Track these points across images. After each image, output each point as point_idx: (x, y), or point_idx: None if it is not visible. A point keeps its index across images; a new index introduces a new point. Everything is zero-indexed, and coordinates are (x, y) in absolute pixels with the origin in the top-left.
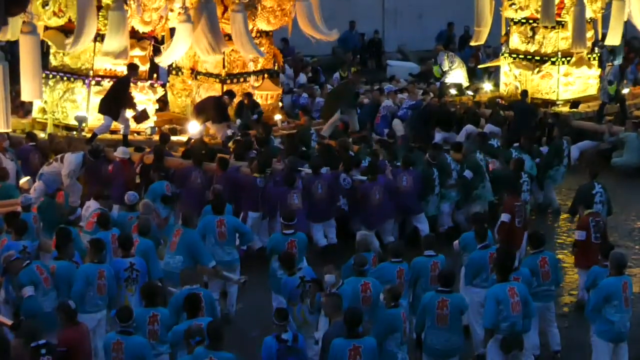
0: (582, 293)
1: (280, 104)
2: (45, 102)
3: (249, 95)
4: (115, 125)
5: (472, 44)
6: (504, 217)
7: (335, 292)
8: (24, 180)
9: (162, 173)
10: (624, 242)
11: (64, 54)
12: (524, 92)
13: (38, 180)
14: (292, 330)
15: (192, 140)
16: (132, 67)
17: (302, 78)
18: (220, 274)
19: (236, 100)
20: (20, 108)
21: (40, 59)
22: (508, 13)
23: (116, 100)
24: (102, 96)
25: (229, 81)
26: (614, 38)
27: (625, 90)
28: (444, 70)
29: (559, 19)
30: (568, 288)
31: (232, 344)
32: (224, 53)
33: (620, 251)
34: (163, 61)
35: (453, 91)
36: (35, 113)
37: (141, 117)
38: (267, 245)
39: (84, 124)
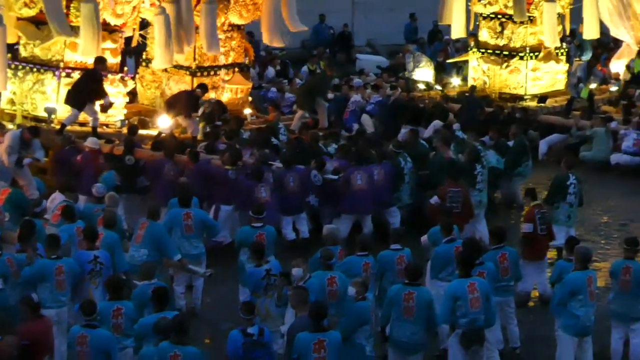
0: (542, 287)
1: (249, 98)
2: (14, 93)
3: (219, 103)
4: (85, 117)
5: (453, 37)
6: (433, 199)
7: (302, 286)
8: None
9: (114, 162)
10: (590, 236)
11: (34, 45)
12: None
13: None
14: (258, 324)
15: (163, 135)
16: (99, 61)
17: (271, 72)
18: (186, 268)
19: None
20: None
21: (5, 50)
22: (477, 8)
23: (81, 93)
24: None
25: (199, 74)
26: (590, 32)
27: (593, 85)
28: (408, 71)
29: (528, 14)
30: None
31: (200, 337)
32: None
33: (585, 245)
34: (158, 64)
35: (421, 86)
36: (3, 104)
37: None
38: (235, 237)
39: (53, 116)
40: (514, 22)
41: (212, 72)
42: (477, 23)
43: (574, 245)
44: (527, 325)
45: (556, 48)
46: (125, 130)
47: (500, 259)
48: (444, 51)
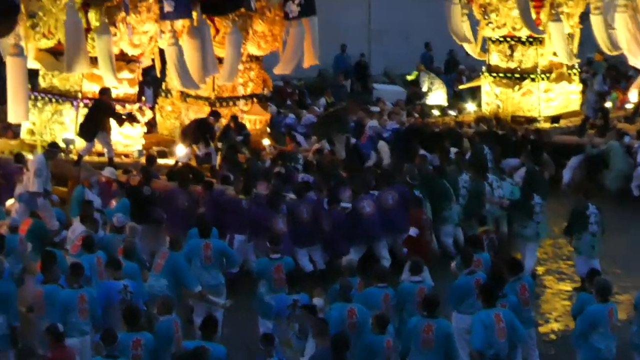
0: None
1: (268, 129)
2: (34, 123)
3: (234, 119)
4: (101, 148)
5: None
6: (412, 231)
7: (322, 318)
8: (10, 202)
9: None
10: (610, 268)
11: (52, 76)
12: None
13: (17, 202)
14: (277, 355)
15: (179, 164)
16: (103, 92)
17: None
18: (205, 298)
19: (222, 122)
20: (9, 130)
21: (27, 80)
22: (485, 32)
23: (89, 124)
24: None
25: (218, 104)
26: (605, 48)
27: (609, 105)
28: (424, 90)
29: (536, 35)
30: (555, 314)
31: None
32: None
33: (605, 278)
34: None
35: (436, 112)
36: (24, 134)
37: (131, 118)
38: (254, 269)
39: (71, 146)
40: (524, 44)
41: (231, 103)
42: (487, 47)
43: (595, 277)
44: (548, 358)
45: (568, 68)
46: (142, 160)
47: (521, 290)
48: (459, 81)
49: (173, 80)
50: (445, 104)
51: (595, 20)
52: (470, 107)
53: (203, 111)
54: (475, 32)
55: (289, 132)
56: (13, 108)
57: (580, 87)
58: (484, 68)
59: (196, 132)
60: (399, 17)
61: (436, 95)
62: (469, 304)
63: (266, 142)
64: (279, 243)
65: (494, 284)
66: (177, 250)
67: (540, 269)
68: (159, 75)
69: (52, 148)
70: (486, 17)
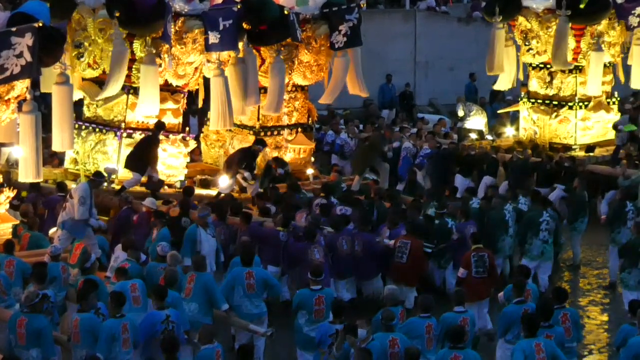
0: (483, 322)
1: (312, 158)
2: (77, 152)
3: (276, 160)
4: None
5: (495, 88)
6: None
7: (365, 348)
8: (53, 230)
9: (168, 222)
10: None
11: (97, 106)
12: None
13: (61, 230)
14: None
15: (222, 195)
16: (159, 126)
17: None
18: (247, 327)
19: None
20: (55, 157)
21: (72, 109)
22: (526, 58)
23: (142, 157)
24: (131, 149)
25: (262, 134)
26: (637, 82)
27: None
28: (459, 117)
29: (576, 64)
30: (599, 345)
31: None
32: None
33: None
34: (213, 125)
35: (473, 135)
36: (67, 163)
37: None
38: (293, 300)
39: (113, 176)
40: (563, 72)
41: (275, 132)
42: (527, 73)
43: (637, 308)
44: None
45: (607, 97)
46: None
47: (562, 319)
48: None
49: (211, 116)
50: (484, 129)
51: (637, 51)
52: (509, 131)
53: (248, 140)
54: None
55: (334, 165)
56: (58, 136)
57: (618, 116)
58: (522, 93)
59: (242, 160)
60: (444, 48)
61: (474, 120)
62: (515, 333)
63: (310, 171)
64: (320, 274)
65: (537, 314)
66: (203, 271)
67: (583, 300)
68: (201, 104)
69: (96, 177)
70: (527, 43)
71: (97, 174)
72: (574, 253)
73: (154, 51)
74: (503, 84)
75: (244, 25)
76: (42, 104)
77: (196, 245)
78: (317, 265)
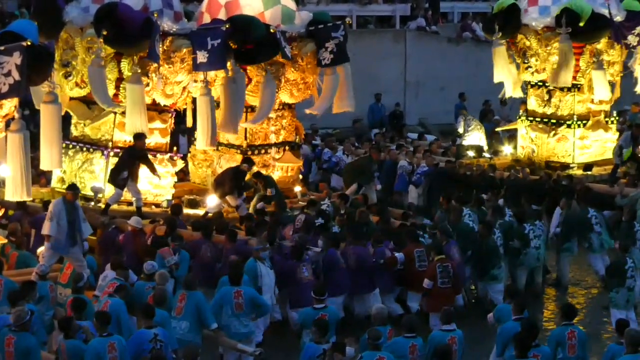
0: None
1: (300, 176)
2: (64, 171)
3: (258, 176)
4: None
5: (500, 96)
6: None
7: None
8: (41, 249)
9: (177, 242)
10: None
11: (84, 125)
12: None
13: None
14: None
15: (210, 214)
16: (138, 137)
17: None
18: (236, 347)
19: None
20: (42, 176)
21: (60, 128)
22: (525, 76)
23: (121, 169)
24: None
25: (250, 152)
26: None
27: None
28: (460, 132)
29: (574, 82)
30: None
31: None
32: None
33: (636, 329)
34: (200, 145)
35: (471, 153)
36: (54, 182)
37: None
38: (297, 320)
39: (99, 195)
40: (562, 90)
41: (262, 151)
42: (525, 91)
43: (624, 328)
44: None
45: (606, 116)
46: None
47: (568, 335)
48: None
49: (197, 136)
50: (483, 144)
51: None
52: (507, 149)
53: (235, 159)
54: None
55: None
56: (46, 155)
57: (617, 135)
58: (520, 112)
59: (232, 182)
60: (434, 68)
61: (473, 136)
62: (512, 351)
63: (298, 189)
64: (324, 293)
65: (526, 334)
66: (194, 290)
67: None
68: (189, 124)
69: (69, 190)
70: (525, 61)
71: (71, 186)
72: (561, 273)
73: (139, 70)
74: (510, 90)
75: (231, 45)
76: (31, 122)
77: (257, 280)
78: (320, 284)
